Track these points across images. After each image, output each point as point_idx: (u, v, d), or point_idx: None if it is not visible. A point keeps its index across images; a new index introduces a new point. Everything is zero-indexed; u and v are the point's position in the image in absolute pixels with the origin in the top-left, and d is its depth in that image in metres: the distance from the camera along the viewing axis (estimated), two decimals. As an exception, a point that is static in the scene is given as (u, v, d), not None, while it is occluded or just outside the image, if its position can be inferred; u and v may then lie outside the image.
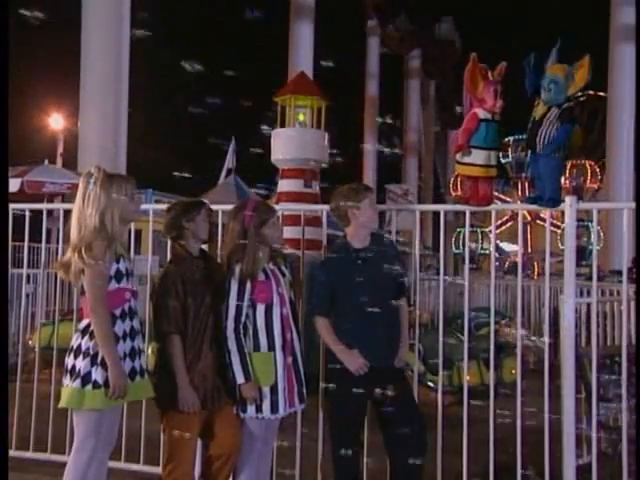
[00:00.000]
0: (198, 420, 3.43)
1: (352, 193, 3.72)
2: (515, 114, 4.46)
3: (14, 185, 10.71)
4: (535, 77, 3.73)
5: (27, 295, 7.66)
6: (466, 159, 3.81)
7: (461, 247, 20.58)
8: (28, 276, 7.55)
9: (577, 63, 3.70)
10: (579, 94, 3.89)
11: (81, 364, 3.18)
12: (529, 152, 3.88)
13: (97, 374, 3.16)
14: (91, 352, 3.18)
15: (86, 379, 3.16)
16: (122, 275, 3.29)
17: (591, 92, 23.99)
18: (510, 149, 21.57)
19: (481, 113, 3.74)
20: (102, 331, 3.17)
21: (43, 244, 4.79)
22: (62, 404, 3.27)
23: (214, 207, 4.38)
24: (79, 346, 3.23)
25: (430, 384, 5.96)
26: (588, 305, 4.61)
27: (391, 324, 3.69)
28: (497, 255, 16.88)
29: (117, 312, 3.26)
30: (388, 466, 3.70)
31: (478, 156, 3.78)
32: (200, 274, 3.50)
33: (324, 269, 3.72)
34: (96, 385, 3.15)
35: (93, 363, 3.17)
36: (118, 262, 3.27)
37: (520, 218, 4.47)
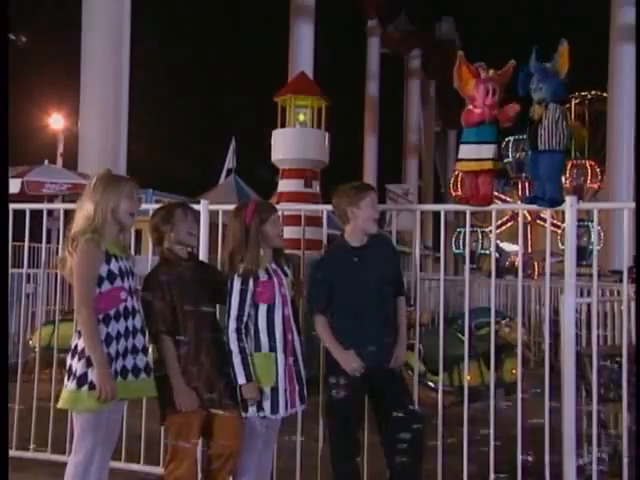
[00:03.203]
0: (198, 420, 3.43)
1: (353, 192, 3.71)
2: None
3: (15, 186, 10.67)
4: (526, 82, 3.78)
5: (27, 295, 7.66)
6: (459, 155, 3.87)
7: (461, 247, 20.53)
8: (28, 276, 7.55)
9: (556, 53, 3.73)
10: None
11: (77, 365, 3.17)
12: (529, 152, 3.90)
13: (93, 375, 3.13)
14: (86, 353, 3.16)
15: (82, 380, 3.14)
16: (115, 275, 3.26)
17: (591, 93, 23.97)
18: (510, 149, 21.51)
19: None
20: (87, 331, 3.15)
21: (43, 244, 4.79)
22: (59, 405, 3.27)
23: (214, 207, 4.39)
24: (76, 346, 3.22)
25: (430, 384, 5.96)
26: (588, 305, 4.60)
27: (388, 323, 3.68)
28: (497, 255, 16.85)
29: (111, 312, 3.24)
30: (387, 467, 3.69)
31: (470, 151, 3.83)
32: (190, 276, 3.48)
33: (321, 267, 3.71)
34: (92, 386, 3.13)
35: (89, 364, 3.14)
36: (109, 263, 3.25)
37: (520, 218, 4.48)
